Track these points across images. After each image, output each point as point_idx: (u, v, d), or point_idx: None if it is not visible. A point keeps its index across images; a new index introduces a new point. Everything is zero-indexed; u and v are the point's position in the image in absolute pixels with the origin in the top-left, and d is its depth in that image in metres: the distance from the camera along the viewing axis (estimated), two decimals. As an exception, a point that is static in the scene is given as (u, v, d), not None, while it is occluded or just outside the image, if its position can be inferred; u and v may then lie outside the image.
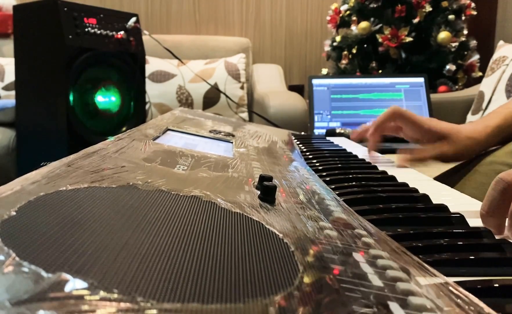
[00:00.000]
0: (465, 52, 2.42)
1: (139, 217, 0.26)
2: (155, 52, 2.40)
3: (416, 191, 0.50)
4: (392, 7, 2.39)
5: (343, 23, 2.59)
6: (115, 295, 0.16)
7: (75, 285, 0.17)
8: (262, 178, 0.40)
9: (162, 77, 2.53)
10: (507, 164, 0.67)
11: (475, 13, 2.48)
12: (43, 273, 0.17)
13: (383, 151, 0.88)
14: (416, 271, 0.26)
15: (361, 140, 0.87)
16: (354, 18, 2.49)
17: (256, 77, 2.75)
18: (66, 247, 0.20)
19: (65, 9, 1.65)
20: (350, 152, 0.78)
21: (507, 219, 0.38)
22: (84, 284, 0.17)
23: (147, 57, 2.03)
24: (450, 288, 0.23)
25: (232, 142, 0.67)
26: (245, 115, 2.55)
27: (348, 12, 2.54)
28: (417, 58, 2.36)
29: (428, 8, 2.35)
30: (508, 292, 0.27)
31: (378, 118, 0.76)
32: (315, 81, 1.92)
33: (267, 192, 0.36)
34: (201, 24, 3.07)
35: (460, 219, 0.40)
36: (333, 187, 0.50)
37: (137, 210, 0.27)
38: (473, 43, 2.44)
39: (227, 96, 2.36)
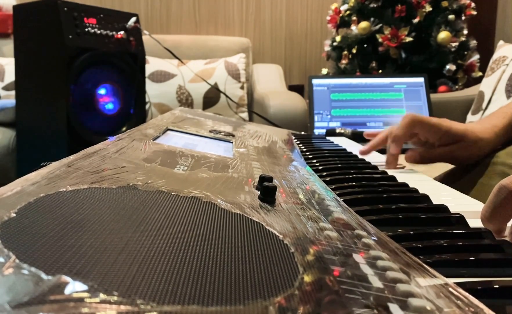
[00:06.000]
0: (465, 52, 2.42)
1: (139, 219, 0.26)
2: (155, 52, 2.40)
3: (416, 191, 0.50)
4: (392, 7, 2.39)
5: (343, 23, 2.59)
6: (115, 298, 0.16)
7: (75, 287, 0.17)
8: (262, 178, 0.40)
9: (162, 77, 2.53)
10: (507, 164, 0.67)
11: (475, 13, 2.48)
12: (43, 275, 0.17)
13: (383, 151, 0.87)
14: (416, 272, 0.26)
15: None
16: (354, 18, 2.49)
17: (256, 77, 2.75)
18: (66, 248, 0.20)
19: (65, 9, 1.65)
20: (350, 152, 0.78)
21: (508, 224, 0.38)
22: (84, 287, 0.17)
23: (147, 57, 2.03)
24: (450, 289, 0.23)
25: (232, 142, 0.67)
26: (245, 115, 2.55)
27: (348, 12, 2.54)
28: (417, 58, 2.36)
29: (428, 8, 2.35)
30: (508, 293, 0.27)
31: (398, 131, 0.71)
32: (315, 81, 1.92)
33: (267, 192, 0.36)
34: (201, 24, 3.06)
35: (460, 220, 0.40)
36: (333, 187, 0.50)
37: (137, 211, 0.27)
38: (473, 43, 2.44)
39: (227, 96, 2.36)
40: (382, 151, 0.87)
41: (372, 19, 2.43)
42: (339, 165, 0.64)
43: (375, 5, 2.42)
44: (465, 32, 2.42)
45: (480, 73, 2.37)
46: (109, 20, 1.80)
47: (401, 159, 0.78)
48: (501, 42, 2.22)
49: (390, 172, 0.60)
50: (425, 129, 0.71)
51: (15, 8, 1.81)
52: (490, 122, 0.73)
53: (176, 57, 2.11)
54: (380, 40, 2.36)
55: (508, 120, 0.72)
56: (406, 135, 0.72)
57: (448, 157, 0.72)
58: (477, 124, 0.75)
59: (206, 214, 0.29)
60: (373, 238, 0.30)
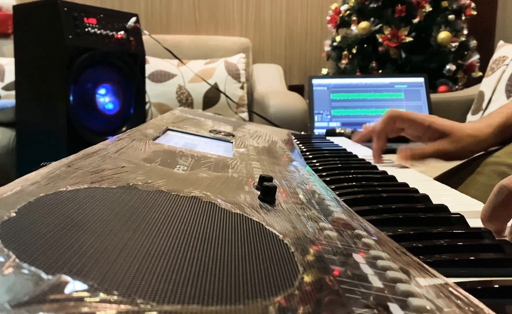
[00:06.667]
0: (465, 52, 2.42)
1: (139, 218, 0.26)
2: (155, 52, 2.40)
3: (416, 191, 0.50)
4: (392, 7, 2.39)
5: (343, 23, 2.59)
6: (115, 297, 0.16)
7: (75, 287, 0.17)
8: (262, 178, 0.40)
9: (162, 77, 2.53)
10: (507, 164, 0.67)
11: (475, 13, 2.48)
12: (43, 275, 0.17)
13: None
14: (416, 271, 0.26)
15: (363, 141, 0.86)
16: (354, 18, 2.49)
17: (256, 77, 2.75)
18: (66, 248, 0.20)
19: (65, 9, 1.65)
20: (350, 152, 0.78)
21: (508, 224, 0.38)
22: (84, 286, 0.17)
23: (147, 57, 2.03)
24: (450, 289, 0.23)
25: (232, 142, 0.67)
26: (245, 115, 2.55)
27: (348, 12, 2.54)
28: (417, 58, 2.36)
29: (428, 8, 2.35)
30: (508, 293, 0.27)
31: (376, 126, 0.75)
32: (315, 81, 1.92)
33: (267, 192, 0.36)
34: (201, 24, 3.06)
35: (460, 220, 0.40)
36: (333, 187, 0.50)
37: (137, 210, 0.27)
38: (473, 43, 2.44)
39: (227, 96, 2.36)
40: (383, 151, 0.87)
41: (372, 19, 2.43)
42: (339, 165, 0.64)
43: (375, 5, 2.42)
44: (465, 32, 2.42)
45: (480, 73, 2.37)
46: (109, 20, 1.80)
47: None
48: (501, 42, 2.22)
49: (390, 172, 0.60)
50: (407, 123, 0.74)
51: (15, 8, 1.81)
52: (485, 121, 0.74)
53: (176, 57, 2.11)
54: (380, 40, 2.36)
55: (503, 119, 0.72)
56: (386, 130, 0.75)
57: (438, 153, 0.72)
58: (471, 123, 0.76)
59: (206, 214, 0.29)
60: (373, 238, 0.30)
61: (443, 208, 0.43)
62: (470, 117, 2.08)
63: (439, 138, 0.72)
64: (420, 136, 0.75)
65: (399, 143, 1.16)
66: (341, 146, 0.88)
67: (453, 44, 2.33)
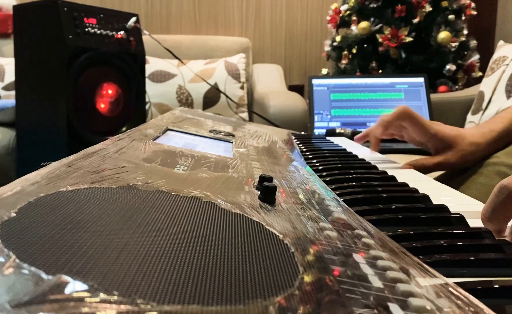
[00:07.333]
0: (465, 52, 2.42)
1: (139, 218, 0.26)
2: (155, 52, 2.40)
3: (416, 191, 0.50)
4: (392, 7, 2.39)
5: (343, 23, 2.59)
6: (115, 297, 0.16)
7: (75, 287, 0.17)
8: (262, 178, 0.40)
9: (162, 77, 2.53)
10: (507, 165, 0.67)
11: (475, 13, 2.48)
12: (43, 275, 0.17)
13: (383, 151, 0.88)
14: (416, 271, 0.26)
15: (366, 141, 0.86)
16: (354, 18, 2.49)
17: (256, 77, 2.75)
18: (66, 248, 0.20)
19: (65, 9, 1.65)
20: (350, 152, 0.78)
21: (508, 224, 0.38)
22: (84, 286, 0.17)
23: (147, 57, 2.03)
24: (450, 289, 0.23)
25: (232, 142, 0.67)
26: (245, 115, 2.55)
27: (348, 12, 2.54)
28: (417, 58, 2.36)
29: (428, 8, 2.35)
30: (508, 293, 0.27)
31: (386, 117, 0.75)
32: (315, 81, 1.92)
33: (267, 192, 0.36)
34: (201, 24, 3.06)
35: (460, 220, 0.40)
36: (333, 187, 0.50)
37: (137, 211, 0.27)
38: (473, 43, 2.44)
39: (227, 96, 2.36)
40: (382, 151, 0.87)
41: (372, 19, 2.43)
42: (339, 165, 0.64)
43: (375, 5, 2.42)
44: (465, 32, 2.42)
45: (480, 73, 2.37)
46: (109, 20, 1.80)
47: (401, 160, 0.78)
48: (501, 42, 2.22)
49: (390, 172, 0.60)
50: (414, 125, 0.73)
51: (15, 8, 1.81)
52: (487, 126, 0.74)
53: (176, 57, 2.11)
54: (380, 40, 2.36)
55: (506, 125, 0.73)
56: (393, 123, 0.75)
57: (445, 165, 0.73)
58: (474, 129, 0.76)
59: (206, 214, 0.29)
60: (373, 238, 0.30)
61: (443, 208, 0.43)
62: (470, 117, 2.08)
63: (441, 147, 0.72)
64: (423, 142, 0.74)
65: (399, 144, 1.16)
66: (341, 146, 0.88)
67: (453, 44, 2.33)
